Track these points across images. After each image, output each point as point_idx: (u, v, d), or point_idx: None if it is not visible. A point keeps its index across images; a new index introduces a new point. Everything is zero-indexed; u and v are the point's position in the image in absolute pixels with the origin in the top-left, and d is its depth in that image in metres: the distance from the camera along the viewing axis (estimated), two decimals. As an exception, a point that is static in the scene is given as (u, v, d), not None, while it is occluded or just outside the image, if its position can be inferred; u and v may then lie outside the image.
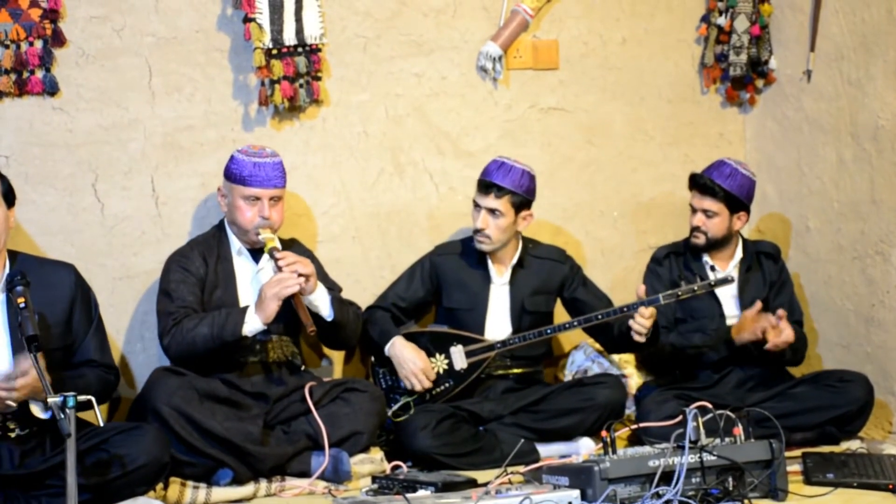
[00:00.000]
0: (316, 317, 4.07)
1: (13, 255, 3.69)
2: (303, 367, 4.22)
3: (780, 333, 4.29)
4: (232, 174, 4.08)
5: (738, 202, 4.44)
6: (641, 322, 4.15)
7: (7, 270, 3.62)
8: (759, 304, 4.35)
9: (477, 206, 4.33)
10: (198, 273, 4.08)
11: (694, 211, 4.48)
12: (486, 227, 4.30)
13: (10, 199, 3.65)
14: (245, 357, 4.06)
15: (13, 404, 3.39)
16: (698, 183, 4.46)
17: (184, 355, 3.95)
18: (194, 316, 3.98)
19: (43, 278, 3.65)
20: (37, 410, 3.41)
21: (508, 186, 4.28)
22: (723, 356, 4.42)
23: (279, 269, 3.97)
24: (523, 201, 4.33)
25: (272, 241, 4.04)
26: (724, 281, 4.28)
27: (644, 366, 4.66)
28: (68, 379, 3.50)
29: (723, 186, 4.41)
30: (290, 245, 4.26)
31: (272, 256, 4.00)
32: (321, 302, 4.10)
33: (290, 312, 4.01)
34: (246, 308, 3.97)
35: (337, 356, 4.61)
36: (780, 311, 4.32)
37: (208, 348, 3.93)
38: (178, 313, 3.99)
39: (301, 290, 3.98)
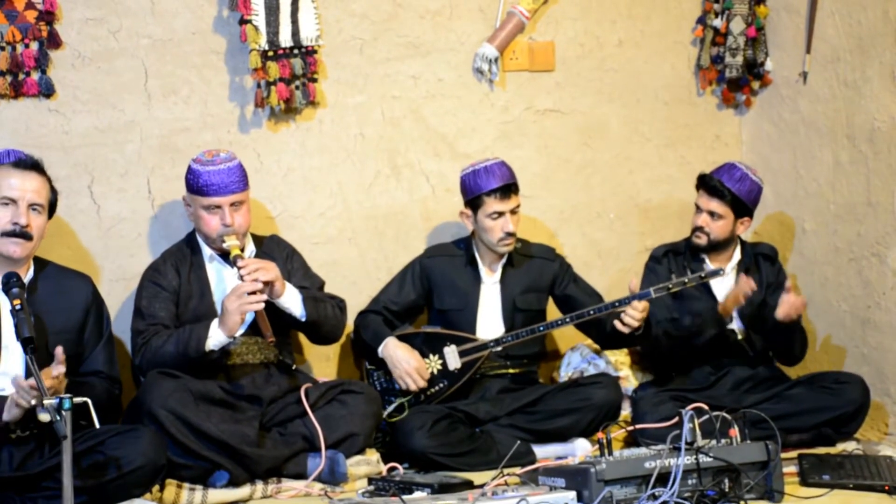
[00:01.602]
0: (291, 317, 4.06)
1: (40, 263, 3.77)
2: (294, 367, 4.20)
3: (792, 305, 4.28)
4: (190, 185, 4.06)
5: (745, 207, 4.45)
6: (633, 314, 4.15)
7: (31, 275, 3.69)
8: (743, 276, 4.33)
9: (501, 213, 4.31)
10: (170, 286, 4.07)
11: (699, 211, 4.48)
12: (516, 229, 4.32)
13: (52, 211, 3.76)
14: (237, 360, 4.05)
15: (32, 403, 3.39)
16: (707, 184, 4.45)
17: None
18: (162, 333, 3.98)
19: (61, 286, 3.74)
20: (43, 416, 3.40)
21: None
22: (712, 334, 4.39)
23: (241, 278, 3.94)
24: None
25: (235, 249, 4.00)
26: (715, 273, 4.28)
27: (642, 361, 4.66)
28: (75, 385, 3.51)
29: (732, 190, 4.41)
30: (266, 243, 4.22)
31: (234, 265, 3.97)
32: (291, 303, 4.07)
33: (270, 315, 3.99)
34: (209, 323, 3.94)
35: (333, 357, 4.61)
36: (788, 283, 4.33)
37: (177, 365, 3.91)
38: (148, 332, 3.99)
39: (270, 295, 3.96)
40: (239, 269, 3.93)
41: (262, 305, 3.90)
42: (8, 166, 3.64)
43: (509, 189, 4.32)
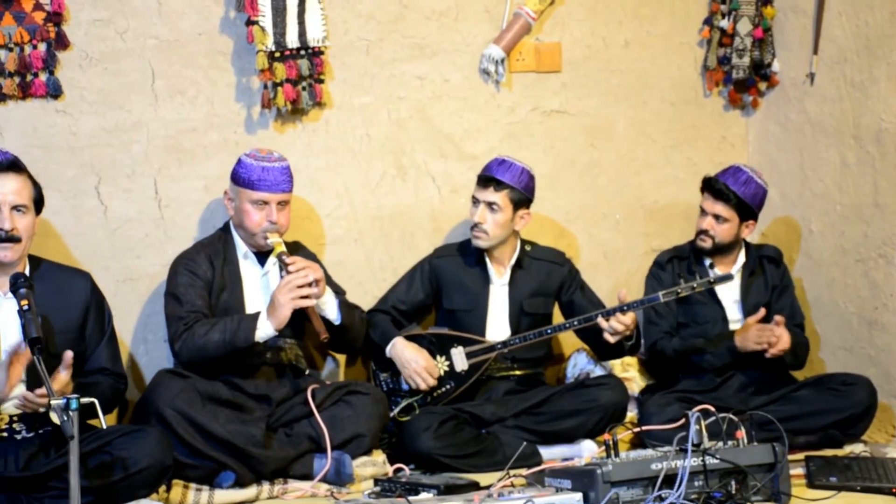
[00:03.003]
0: (324, 320, 4.07)
1: (35, 260, 3.74)
2: (307, 371, 4.22)
3: (778, 341, 4.27)
4: (240, 178, 4.08)
5: (750, 210, 4.44)
6: (615, 326, 4.15)
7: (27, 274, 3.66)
8: (762, 312, 4.33)
9: (476, 200, 4.35)
10: (205, 276, 4.08)
11: (704, 214, 4.47)
12: (484, 222, 4.31)
13: (39, 207, 3.70)
14: (255, 360, 4.06)
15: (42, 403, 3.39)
16: (712, 187, 4.44)
17: (195, 360, 3.95)
18: (205, 321, 3.98)
19: (59, 284, 3.71)
20: (55, 417, 3.40)
21: (507, 181, 4.31)
22: (725, 362, 4.41)
23: (288, 274, 3.96)
24: (522, 199, 4.34)
25: (280, 246, 4.04)
26: (724, 278, 4.27)
27: (647, 369, 4.66)
28: (82, 385, 3.51)
29: (737, 193, 4.40)
30: (296, 249, 4.26)
31: (281, 261, 4.00)
32: (329, 306, 4.10)
33: (298, 316, 4.01)
34: (258, 314, 3.97)
35: (339, 358, 4.61)
36: (777, 318, 4.31)
37: (220, 354, 3.94)
38: (189, 318, 3.99)
39: (314, 294, 3.99)
40: (287, 265, 3.95)
41: (315, 301, 3.93)
42: None
43: (487, 181, 4.31)
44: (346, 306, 4.15)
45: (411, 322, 4.50)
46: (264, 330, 3.95)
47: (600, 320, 4.20)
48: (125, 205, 4.34)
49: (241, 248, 4.16)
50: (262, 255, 4.14)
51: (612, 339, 4.21)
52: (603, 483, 3.30)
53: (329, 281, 4.24)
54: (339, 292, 4.22)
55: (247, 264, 4.16)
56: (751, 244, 4.66)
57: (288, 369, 4.14)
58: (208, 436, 3.79)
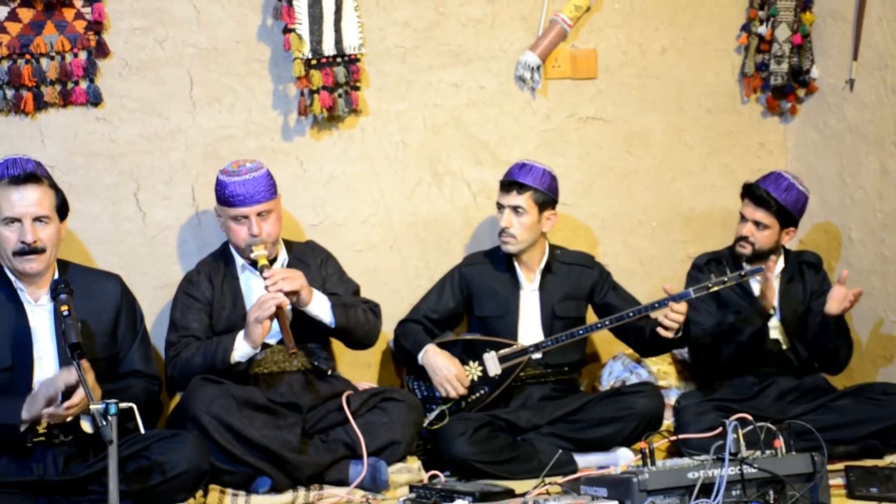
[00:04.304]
0: (322, 324, 4.07)
1: (63, 265, 3.76)
2: (330, 373, 4.21)
3: (844, 297, 4.24)
4: (218, 196, 4.08)
5: (791, 217, 4.41)
6: (674, 317, 4.13)
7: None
8: (845, 273, 4.29)
9: (501, 206, 4.36)
10: (203, 297, 4.09)
11: (744, 220, 4.44)
12: (511, 226, 4.31)
13: (64, 213, 3.71)
14: (255, 371, 4.05)
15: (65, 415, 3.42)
16: (753, 193, 4.41)
17: (185, 385, 3.94)
18: (192, 345, 4.00)
19: (90, 288, 3.72)
20: (86, 426, 3.44)
21: (530, 183, 4.31)
22: (756, 328, 4.35)
23: (266, 287, 3.96)
24: (546, 199, 4.34)
25: (263, 259, 4.01)
26: (756, 271, 4.24)
27: (685, 369, 4.62)
28: (115, 390, 3.53)
29: (778, 200, 4.37)
30: (308, 249, 4.24)
31: (261, 275, 3.99)
32: (320, 311, 4.08)
33: (301, 322, 4.01)
34: (235, 335, 3.97)
35: (374, 364, 4.62)
36: (844, 273, 4.28)
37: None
38: (179, 344, 4.02)
39: (297, 303, 3.98)
40: (264, 279, 3.95)
41: (273, 307, 3.88)
42: (5, 184, 3.58)
43: (509, 185, 4.32)
44: (341, 307, 4.10)
45: (443, 331, 4.50)
46: (241, 350, 3.94)
47: (656, 313, 4.16)
48: (163, 211, 4.38)
49: (239, 261, 4.16)
50: (257, 267, 4.07)
51: (668, 334, 4.17)
52: (639, 491, 3.28)
53: (341, 277, 4.24)
54: (348, 290, 4.19)
55: (246, 277, 4.16)
56: (790, 250, 4.63)
57: (312, 374, 4.14)
58: (245, 441, 3.80)
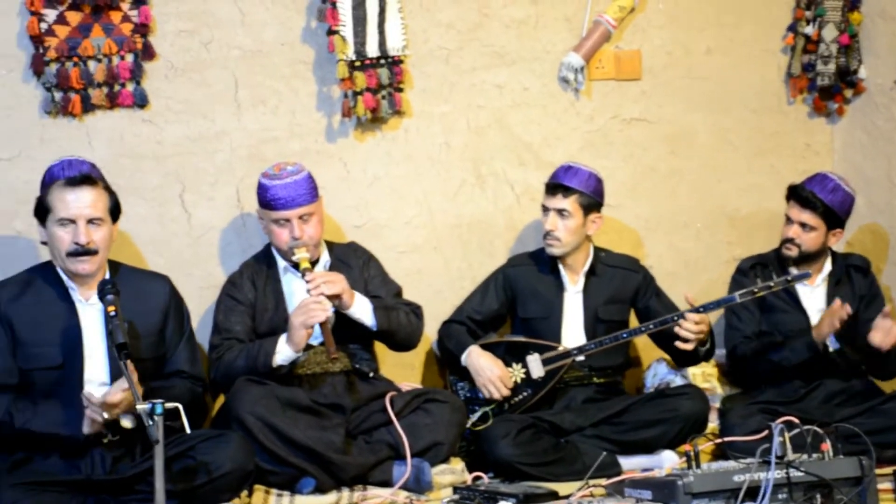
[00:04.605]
0: (363, 326, 4.08)
1: (114, 266, 3.81)
2: (372, 375, 4.21)
3: (889, 332, 4.16)
4: (259, 199, 4.10)
5: (837, 218, 4.36)
6: (688, 328, 4.12)
7: None
8: (837, 302, 4.23)
9: (545, 209, 4.35)
10: (246, 299, 4.11)
11: (789, 222, 4.40)
12: (556, 229, 4.30)
13: (116, 215, 3.75)
14: (299, 372, 4.06)
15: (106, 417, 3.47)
16: (799, 195, 4.37)
17: (227, 388, 3.97)
18: (235, 348, 4.02)
19: (139, 289, 3.77)
20: (126, 423, 3.48)
21: (575, 186, 4.30)
22: (802, 358, 4.31)
23: (308, 290, 3.97)
24: (591, 203, 4.32)
25: (305, 262, 4.02)
26: (802, 277, 4.20)
27: (729, 379, 4.59)
28: (159, 389, 3.57)
29: (824, 201, 4.32)
30: (340, 250, 4.25)
31: (303, 278, 4.00)
32: (362, 314, 4.09)
33: (343, 325, 4.02)
34: (277, 338, 3.98)
35: (417, 366, 4.63)
36: (886, 308, 4.22)
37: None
38: (222, 347, 4.04)
39: (339, 307, 3.99)
40: (306, 281, 3.96)
41: (323, 318, 3.92)
42: (60, 185, 3.63)
43: (555, 188, 4.31)
44: (383, 310, 4.11)
45: (487, 332, 4.49)
46: (284, 353, 3.96)
47: (674, 326, 4.15)
48: (208, 213, 4.41)
49: (282, 263, 4.17)
50: (299, 269, 4.08)
51: (687, 347, 4.16)
52: (684, 494, 3.27)
53: (383, 279, 4.25)
54: (389, 292, 4.20)
55: (288, 279, 4.17)
56: (837, 253, 4.57)
57: (354, 376, 4.15)
58: (289, 442, 3.82)
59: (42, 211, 3.67)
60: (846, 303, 4.26)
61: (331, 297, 3.97)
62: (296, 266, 4.08)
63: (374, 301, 4.12)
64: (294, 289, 4.15)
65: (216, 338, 4.09)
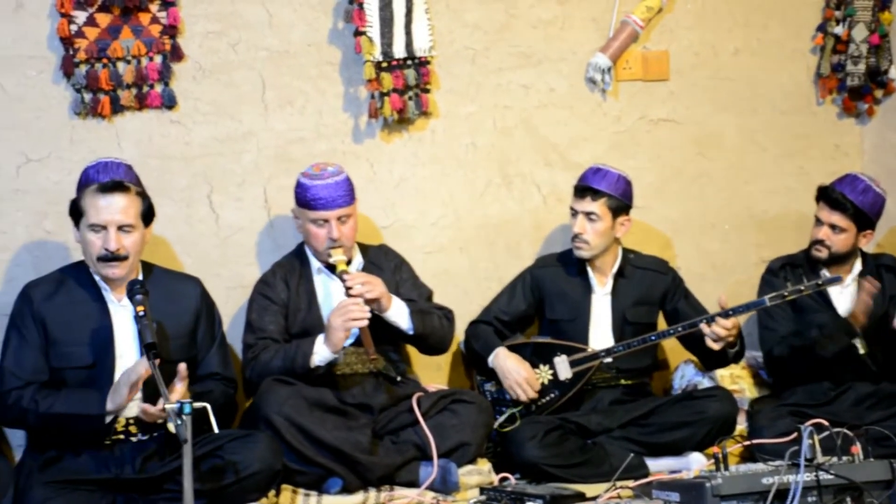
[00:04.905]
0: (399, 329, 4.09)
1: (147, 267, 3.83)
2: (399, 379, 4.20)
3: None
4: (299, 198, 4.10)
5: (868, 219, 4.33)
6: (716, 330, 4.10)
7: None
8: (865, 279, 4.21)
9: (574, 211, 4.34)
10: (279, 299, 4.12)
11: (819, 224, 4.37)
12: (584, 232, 4.29)
13: (149, 219, 3.76)
14: (329, 372, 4.06)
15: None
16: (829, 196, 4.34)
17: None
18: (271, 347, 4.03)
19: (170, 290, 3.80)
20: (172, 427, 3.48)
21: (604, 189, 4.28)
22: (843, 346, 4.26)
23: (347, 292, 3.97)
24: (620, 206, 4.31)
25: (342, 264, 4.02)
26: (833, 281, 4.17)
27: (759, 380, 4.56)
28: (198, 393, 3.60)
29: (855, 203, 4.29)
30: (373, 253, 4.25)
31: (341, 280, 4.00)
32: (399, 317, 4.10)
33: (377, 327, 4.02)
34: (315, 339, 3.99)
35: (444, 367, 4.63)
36: None
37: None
38: (257, 346, 4.05)
39: (377, 310, 4.00)
40: (346, 285, 3.97)
41: (366, 322, 3.93)
42: (93, 191, 3.65)
43: (584, 191, 4.30)
44: (419, 313, 4.12)
45: (514, 332, 4.49)
46: (321, 354, 3.96)
47: (703, 326, 4.14)
48: (236, 213, 4.42)
49: (315, 264, 4.18)
50: (335, 270, 4.08)
51: (715, 346, 4.14)
52: (712, 496, 3.25)
53: (414, 282, 4.25)
54: (421, 295, 4.20)
55: (321, 280, 4.18)
56: (867, 253, 4.54)
57: (380, 376, 4.15)
58: (316, 442, 3.83)
59: (76, 212, 3.70)
60: (878, 302, 4.24)
61: (370, 301, 3.97)
62: (330, 267, 4.09)
63: (410, 305, 4.13)
64: (326, 290, 4.16)
65: (250, 337, 4.10)
